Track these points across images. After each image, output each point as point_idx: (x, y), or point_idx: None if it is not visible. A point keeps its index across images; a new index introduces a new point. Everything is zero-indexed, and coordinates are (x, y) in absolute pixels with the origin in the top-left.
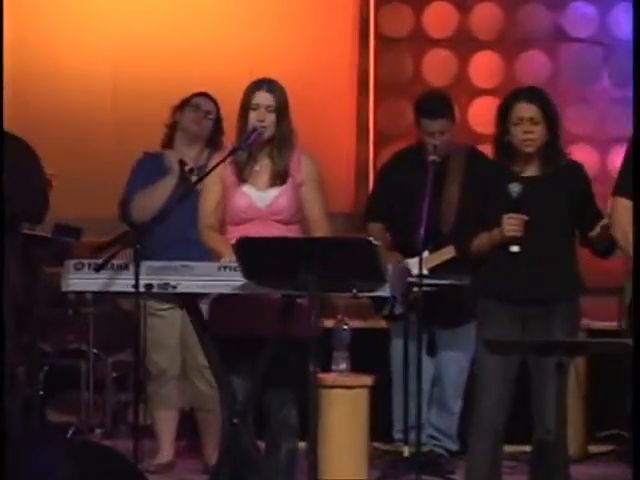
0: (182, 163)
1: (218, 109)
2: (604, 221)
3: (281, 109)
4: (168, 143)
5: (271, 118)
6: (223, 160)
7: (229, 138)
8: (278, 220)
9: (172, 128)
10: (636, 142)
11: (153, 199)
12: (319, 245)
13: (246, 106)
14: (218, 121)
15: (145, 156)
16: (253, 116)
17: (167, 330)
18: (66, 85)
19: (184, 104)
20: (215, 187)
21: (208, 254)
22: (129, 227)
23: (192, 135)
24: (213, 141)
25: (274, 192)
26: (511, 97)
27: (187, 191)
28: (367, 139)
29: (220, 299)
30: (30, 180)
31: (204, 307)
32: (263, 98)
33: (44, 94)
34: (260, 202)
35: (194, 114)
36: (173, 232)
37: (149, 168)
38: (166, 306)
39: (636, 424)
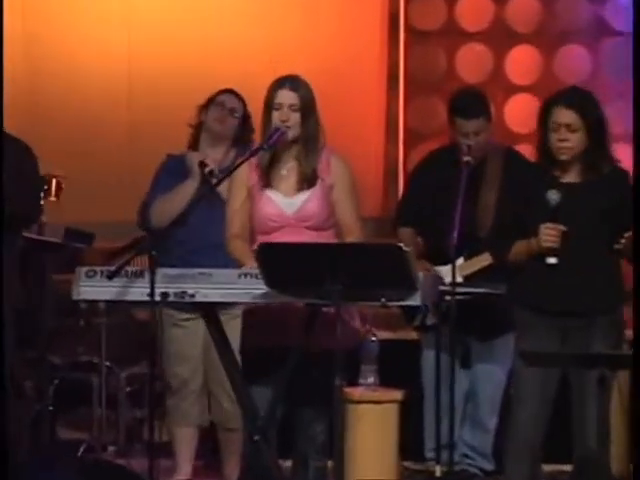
0: (202, 164)
1: (245, 106)
2: (628, 233)
3: (306, 107)
4: (194, 144)
5: (295, 117)
6: (243, 161)
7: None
8: (309, 227)
9: (198, 128)
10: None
11: (173, 204)
12: (345, 251)
13: (269, 105)
14: (246, 119)
15: (168, 158)
16: (276, 116)
17: (189, 341)
18: (79, 83)
19: (209, 102)
20: (240, 192)
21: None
22: (147, 232)
23: (216, 135)
24: (241, 140)
25: (302, 197)
26: (551, 100)
27: (205, 194)
28: (396, 138)
29: (252, 310)
30: (27, 181)
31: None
32: (286, 97)
33: (56, 92)
34: (288, 208)
35: (217, 112)
36: (197, 238)
37: (172, 171)
38: (188, 316)
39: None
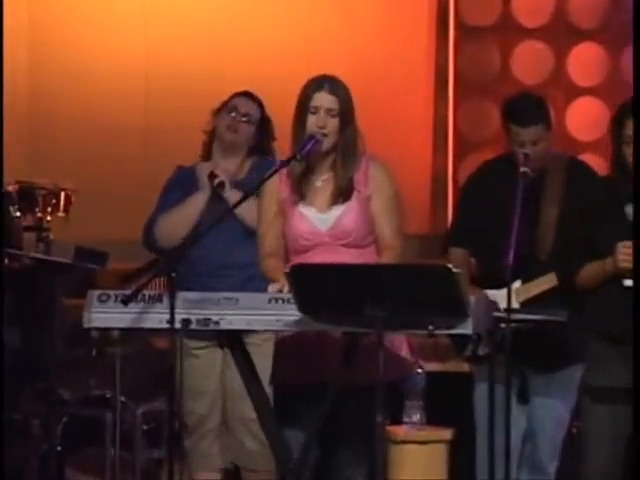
0: (212, 176)
1: (263, 110)
2: None
3: (345, 112)
4: (207, 154)
5: (333, 124)
6: (273, 173)
7: (283, 148)
8: (346, 244)
9: (210, 136)
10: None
11: (180, 219)
12: (388, 273)
13: (303, 109)
14: (264, 124)
15: (178, 171)
16: (312, 121)
17: (205, 373)
18: (92, 84)
19: (222, 107)
20: (270, 207)
21: (263, 283)
22: (155, 254)
23: (228, 144)
24: (259, 149)
25: (336, 211)
26: (623, 110)
27: (227, 212)
28: (445, 147)
29: (283, 339)
30: None
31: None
32: (324, 100)
33: (64, 95)
34: (322, 225)
35: (229, 118)
36: (210, 258)
37: (182, 185)
38: (203, 344)
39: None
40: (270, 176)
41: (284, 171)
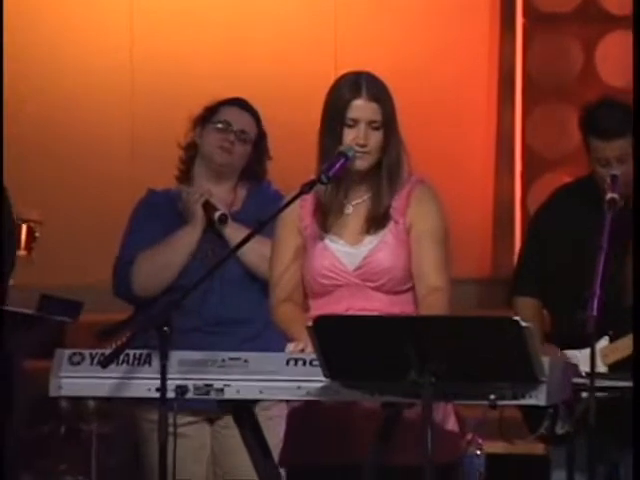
0: (208, 207)
1: (259, 124)
2: None
3: (389, 122)
4: (185, 174)
5: (377, 138)
6: (292, 200)
7: (306, 164)
8: (377, 287)
9: (190, 151)
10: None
11: (167, 262)
12: (439, 327)
13: (336, 120)
14: (260, 141)
15: (149, 195)
16: (351, 137)
17: (192, 455)
18: (68, 93)
19: (206, 118)
20: (289, 241)
21: (276, 342)
22: (128, 303)
23: (220, 167)
24: (252, 171)
25: (368, 244)
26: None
27: (231, 252)
28: (511, 167)
29: (302, 409)
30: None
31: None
32: (365, 110)
33: (34, 113)
34: (348, 260)
35: (221, 137)
36: (202, 311)
37: (157, 213)
38: (190, 419)
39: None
40: (289, 204)
41: (307, 196)
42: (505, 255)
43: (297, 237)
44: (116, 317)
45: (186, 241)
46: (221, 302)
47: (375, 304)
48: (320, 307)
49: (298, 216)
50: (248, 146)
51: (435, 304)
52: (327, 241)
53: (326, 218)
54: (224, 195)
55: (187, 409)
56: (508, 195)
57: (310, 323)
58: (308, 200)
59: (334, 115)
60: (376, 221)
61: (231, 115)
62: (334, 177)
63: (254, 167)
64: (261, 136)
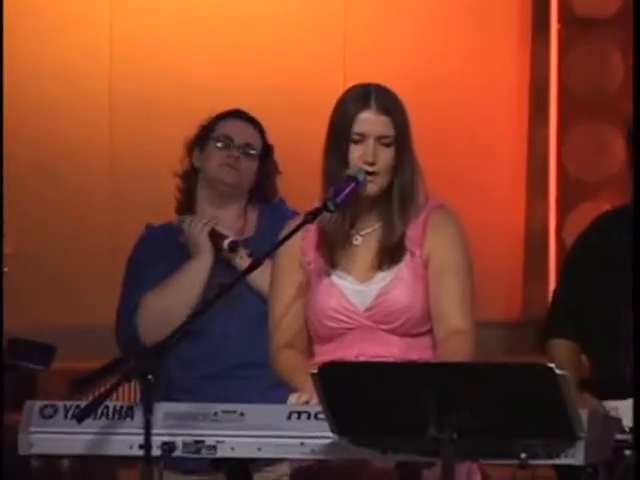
0: (216, 236)
1: (264, 137)
2: None
3: (402, 139)
4: (185, 204)
5: (387, 156)
6: (294, 232)
7: (309, 188)
8: (393, 330)
9: (189, 179)
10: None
11: (178, 299)
12: (462, 375)
13: (342, 136)
14: (267, 155)
15: (148, 232)
16: (357, 154)
17: None
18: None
19: (203, 137)
20: (291, 278)
21: (280, 393)
22: (134, 354)
23: (227, 188)
24: (261, 191)
25: (380, 281)
26: None
27: (236, 281)
28: (545, 192)
29: (307, 470)
30: None
31: None
32: (374, 123)
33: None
34: (358, 300)
35: (223, 154)
36: (222, 353)
37: (158, 250)
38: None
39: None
40: (291, 235)
41: (310, 226)
42: (537, 293)
43: (299, 273)
44: (94, 364)
45: (195, 276)
46: (242, 343)
47: (390, 349)
48: (327, 353)
49: (300, 249)
50: (255, 161)
51: (457, 348)
52: (334, 277)
53: (332, 251)
54: (232, 221)
55: (175, 468)
56: (541, 225)
57: (315, 370)
58: (311, 230)
59: (339, 131)
60: (389, 254)
61: (232, 129)
62: (343, 203)
63: (263, 185)
64: (267, 149)
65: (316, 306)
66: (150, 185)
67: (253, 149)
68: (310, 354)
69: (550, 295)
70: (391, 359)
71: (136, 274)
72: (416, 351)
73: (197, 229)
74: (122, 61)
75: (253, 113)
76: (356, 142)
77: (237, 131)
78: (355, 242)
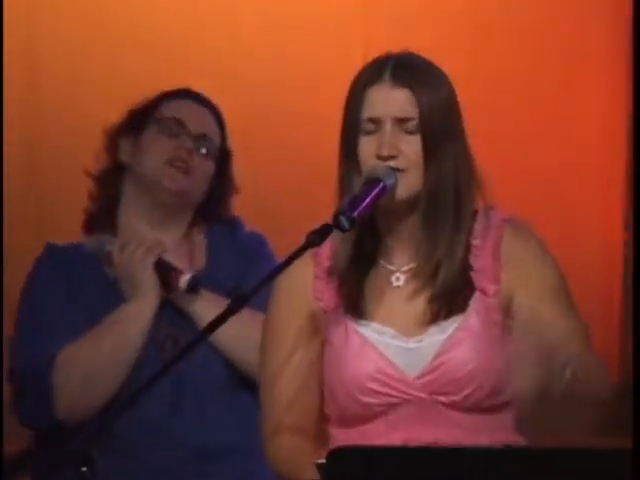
0: (164, 269)
1: (224, 131)
2: None
3: (437, 124)
4: (101, 218)
5: (413, 146)
6: (294, 259)
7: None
8: (456, 403)
9: (110, 181)
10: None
11: (104, 365)
12: (530, 461)
13: (350, 125)
14: (224, 160)
15: (49, 252)
16: (367, 147)
17: None
18: None
19: (140, 119)
20: (298, 332)
21: None
22: (44, 428)
23: (168, 198)
24: (212, 208)
25: (436, 334)
26: None
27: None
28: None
29: None
30: None
31: None
32: (389, 101)
33: None
34: (407, 363)
35: (171, 143)
36: (171, 438)
37: (69, 281)
38: None
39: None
40: (287, 264)
41: (324, 257)
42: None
43: (311, 325)
44: (8, 448)
45: (134, 326)
46: (196, 424)
47: (453, 431)
48: (358, 439)
49: (312, 290)
50: (210, 163)
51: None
52: (367, 332)
53: (358, 292)
54: (174, 246)
55: None
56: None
57: (322, 460)
58: (324, 263)
59: (350, 119)
60: (451, 296)
61: (185, 112)
62: (362, 218)
63: (218, 199)
64: (225, 152)
65: (344, 375)
66: None
67: (211, 145)
68: (322, 438)
69: None
70: (454, 445)
71: (40, 313)
72: (488, 433)
73: (136, 259)
74: None
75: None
76: (369, 132)
77: (192, 116)
78: (396, 283)
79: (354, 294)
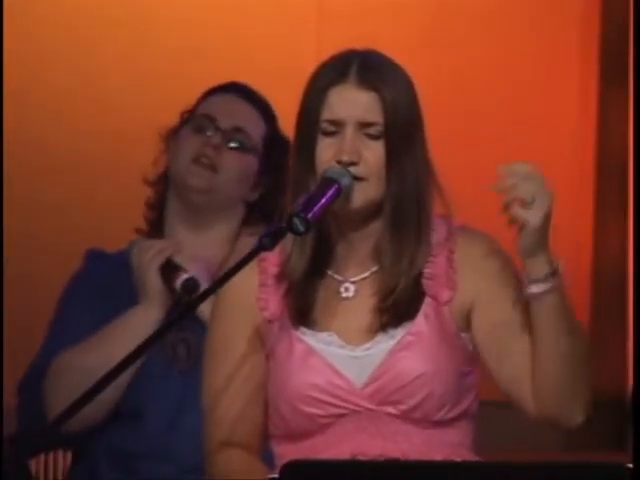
0: (170, 271)
1: (274, 124)
2: None
3: (400, 128)
4: (156, 225)
5: (375, 152)
6: (239, 267)
7: None
8: (405, 413)
9: (161, 187)
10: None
11: (101, 371)
12: (509, 477)
13: (307, 125)
14: (273, 152)
15: (90, 258)
16: (327, 151)
17: None
18: None
19: (183, 123)
20: (241, 343)
21: None
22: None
23: (195, 198)
24: (264, 207)
25: (384, 341)
26: None
27: (199, 344)
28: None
29: None
30: None
31: None
32: (351, 103)
33: None
34: (354, 372)
35: (198, 140)
36: (177, 449)
37: (99, 290)
38: None
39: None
40: (235, 270)
41: (271, 264)
42: (613, 367)
43: (255, 335)
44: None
45: (134, 332)
46: (197, 438)
47: (401, 446)
48: (302, 453)
49: (256, 299)
50: (247, 158)
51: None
52: (313, 341)
53: (306, 300)
54: (215, 249)
55: None
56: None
57: (274, 475)
58: (271, 270)
59: (307, 119)
60: (398, 302)
61: (218, 107)
62: (316, 220)
63: (271, 195)
64: (275, 144)
65: (287, 386)
66: None
67: (247, 137)
68: (272, 455)
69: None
70: (403, 458)
71: (60, 321)
72: (438, 449)
73: (144, 261)
74: None
75: None
76: (328, 133)
77: (225, 110)
78: (345, 293)
79: (301, 303)
